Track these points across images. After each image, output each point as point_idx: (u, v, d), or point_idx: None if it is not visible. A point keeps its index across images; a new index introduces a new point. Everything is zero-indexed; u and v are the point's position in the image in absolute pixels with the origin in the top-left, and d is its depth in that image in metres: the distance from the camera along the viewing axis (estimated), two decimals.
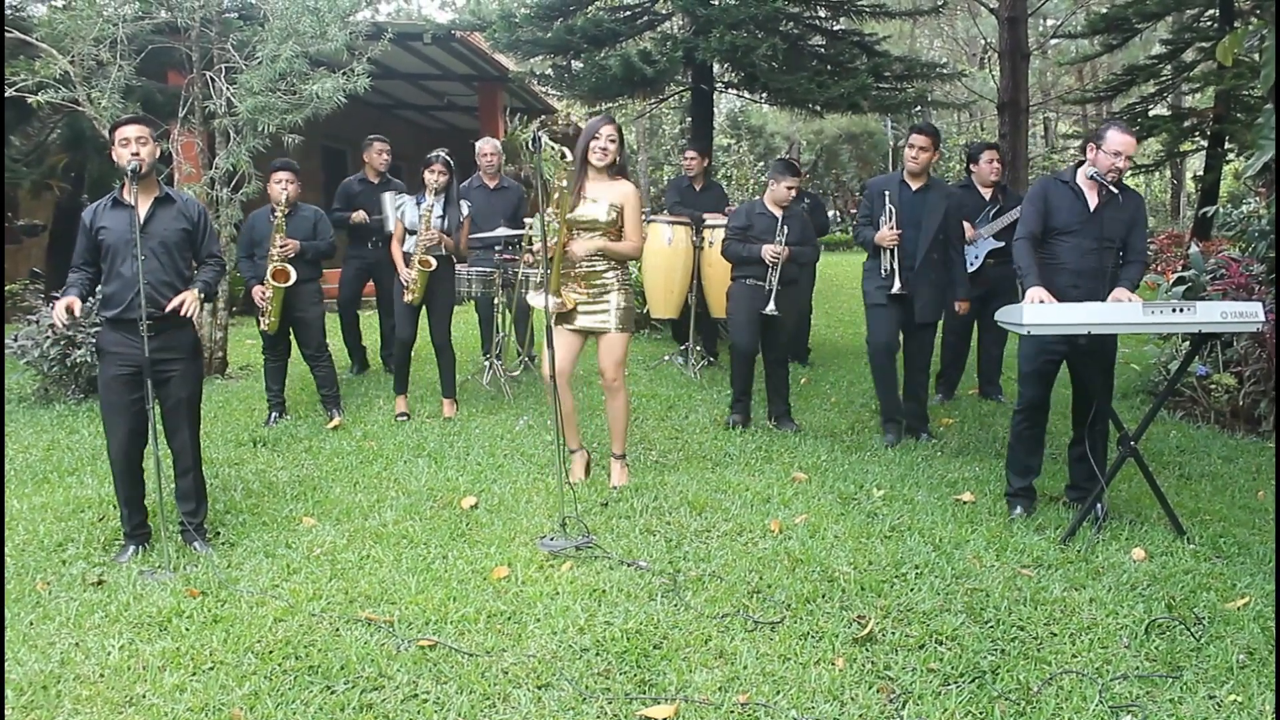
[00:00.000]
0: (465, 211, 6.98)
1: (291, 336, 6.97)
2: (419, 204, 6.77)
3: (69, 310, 4.28)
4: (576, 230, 5.24)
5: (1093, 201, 4.81)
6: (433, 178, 6.71)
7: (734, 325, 6.76)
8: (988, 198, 7.30)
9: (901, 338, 6.41)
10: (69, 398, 7.33)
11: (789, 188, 6.61)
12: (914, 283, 6.15)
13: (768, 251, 6.46)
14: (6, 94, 7.34)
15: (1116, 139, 4.74)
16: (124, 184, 4.36)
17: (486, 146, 8.31)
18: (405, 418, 6.90)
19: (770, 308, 6.48)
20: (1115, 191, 4.75)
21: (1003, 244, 6.99)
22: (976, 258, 7.18)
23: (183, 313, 4.38)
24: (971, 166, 7.51)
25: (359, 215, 7.88)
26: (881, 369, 6.37)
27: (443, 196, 6.76)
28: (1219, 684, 3.31)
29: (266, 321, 6.70)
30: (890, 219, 6.12)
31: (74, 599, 4.00)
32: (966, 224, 6.94)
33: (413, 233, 6.76)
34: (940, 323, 6.62)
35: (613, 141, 5.19)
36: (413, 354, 7.13)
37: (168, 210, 4.49)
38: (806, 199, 8.93)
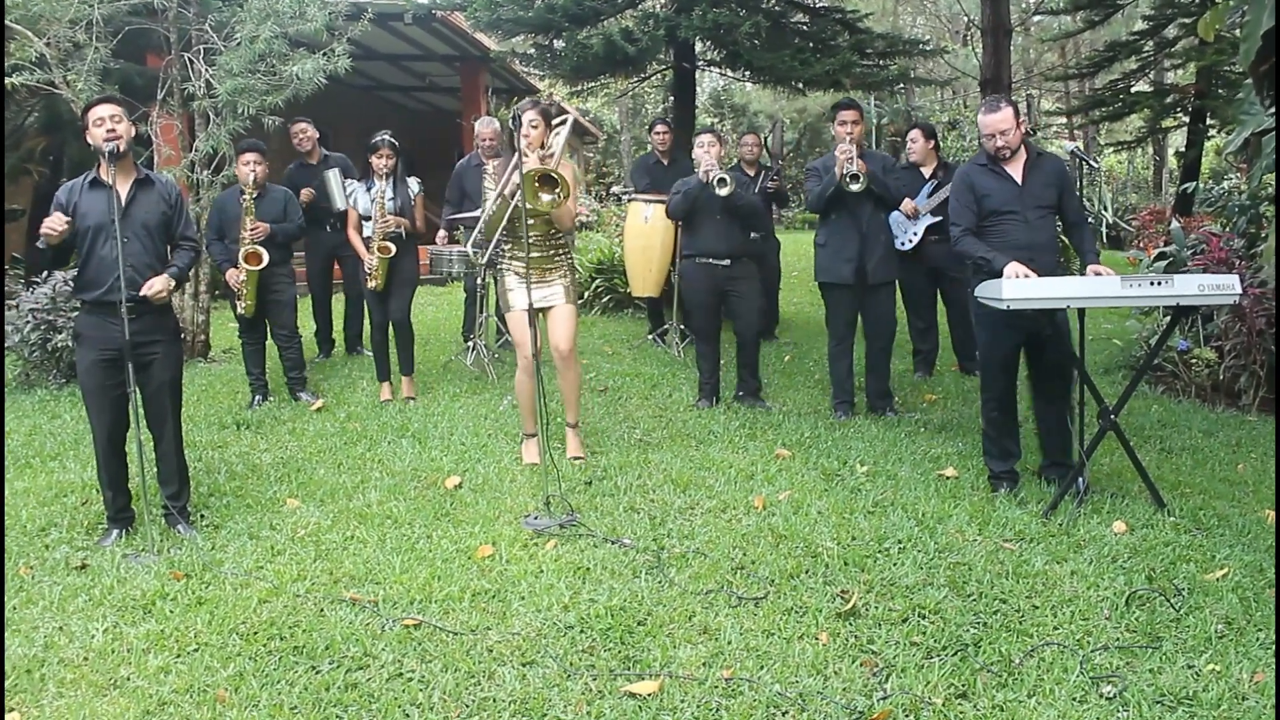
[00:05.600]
0: (416, 189, 6.96)
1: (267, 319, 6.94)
2: (369, 190, 6.76)
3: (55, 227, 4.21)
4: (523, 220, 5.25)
5: (1018, 175, 4.87)
6: (380, 162, 6.71)
7: (689, 307, 6.72)
8: (928, 174, 7.37)
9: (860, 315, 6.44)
10: (50, 382, 7.29)
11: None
12: (869, 248, 6.17)
13: (702, 166, 6.39)
14: None
15: (983, 122, 4.91)
16: (101, 165, 4.32)
17: (486, 130, 8.23)
18: (388, 403, 6.88)
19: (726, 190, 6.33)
20: (1039, 154, 4.87)
21: (941, 218, 7.01)
22: (915, 235, 7.23)
23: (151, 297, 4.35)
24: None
25: (306, 193, 7.66)
26: (846, 353, 6.39)
27: (392, 179, 6.74)
28: (1198, 654, 3.34)
29: (244, 305, 6.68)
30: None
31: (57, 583, 4.00)
32: (909, 200, 7.03)
33: (368, 219, 6.76)
34: (901, 304, 6.64)
35: (534, 126, 5.17)
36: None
37: (149, 193, 4.46)
38: (771, 172, 8.92)
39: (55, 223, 4.20)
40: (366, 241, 6.77)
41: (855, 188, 5.97)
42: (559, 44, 10.94)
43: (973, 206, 4.92)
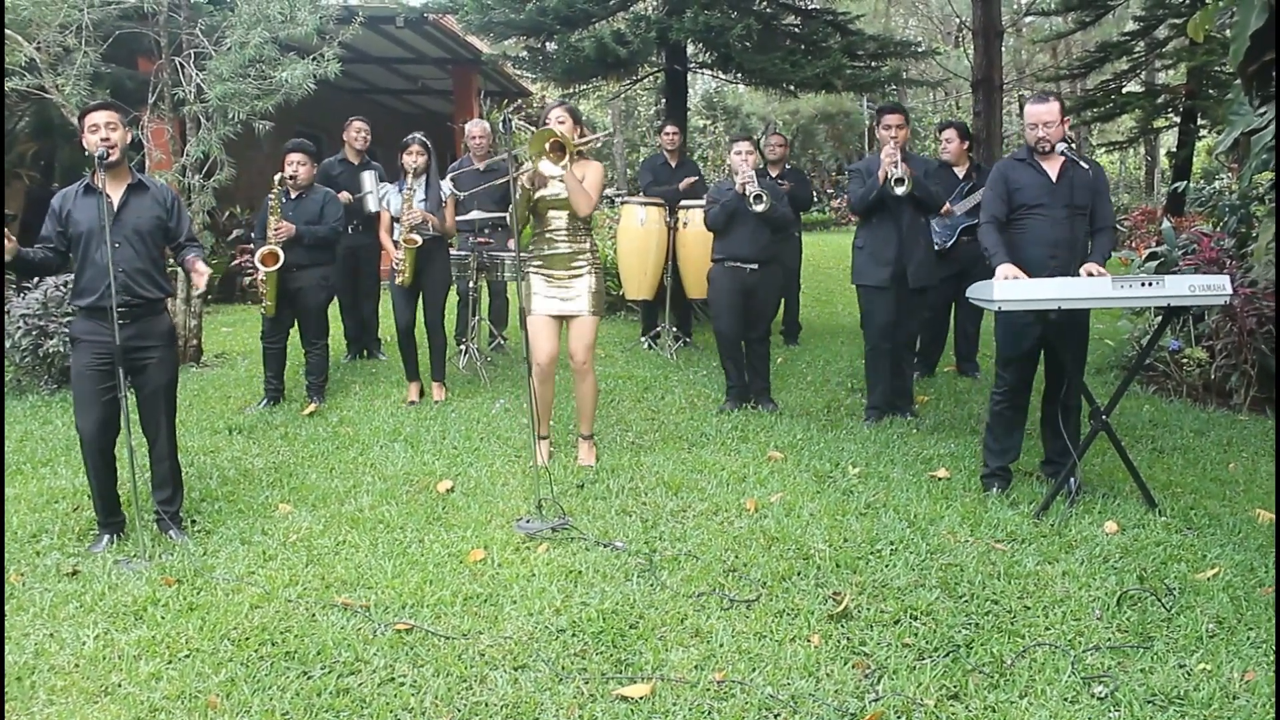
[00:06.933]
0: (447, 191, 6.96)
1: (296, 322, 6.93)
2: (400, 190, 6.77)
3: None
4: (547, 210, 5.31)
5: (1054, 173, 4.88)
6: (411, 160, 6.72)
7: (716, 310, 6.71)
8: (961, 175, 7.34)
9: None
10: (42, 388, 7.27)
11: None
12: (907, 251, 6.16)
13: (740, 174, 6.41)
14: None
15: (1028, 112, 4.96)
16: (95, 171, 4.32)
17: (475, 129, 8.30)
18: (415, 405, 6.87)
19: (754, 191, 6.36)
20: (1074, 159, 4.82)
21: (976, 221, 7.03)
22: (951, 235, 7.22)
23: (203, 284, 4.51)
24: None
25: (343, 196, 7.71)
26: (881, 355, 6.35)
27: (424, 178, 6.75)
28: (1189, 653, 3.35)
29: (265, 305, 6.67)
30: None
31: (48, 590, 3.98)
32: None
33: (399, 219, 6.77)
34: None
35: (561, 123, 5.22)
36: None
37: (141, 198, 4.46)
38: (789, 171, 8.92)
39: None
40: (396, 242, 6.79)
41: (900, 191, 5.94)
42: (551, 46, 10.94)
43: (1005, 197, 4.95)
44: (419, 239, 6.69)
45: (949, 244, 7.23)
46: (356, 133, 8.18)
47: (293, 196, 6.74)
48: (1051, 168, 4.90)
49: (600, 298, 5.43)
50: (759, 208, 6.31)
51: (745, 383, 6.78)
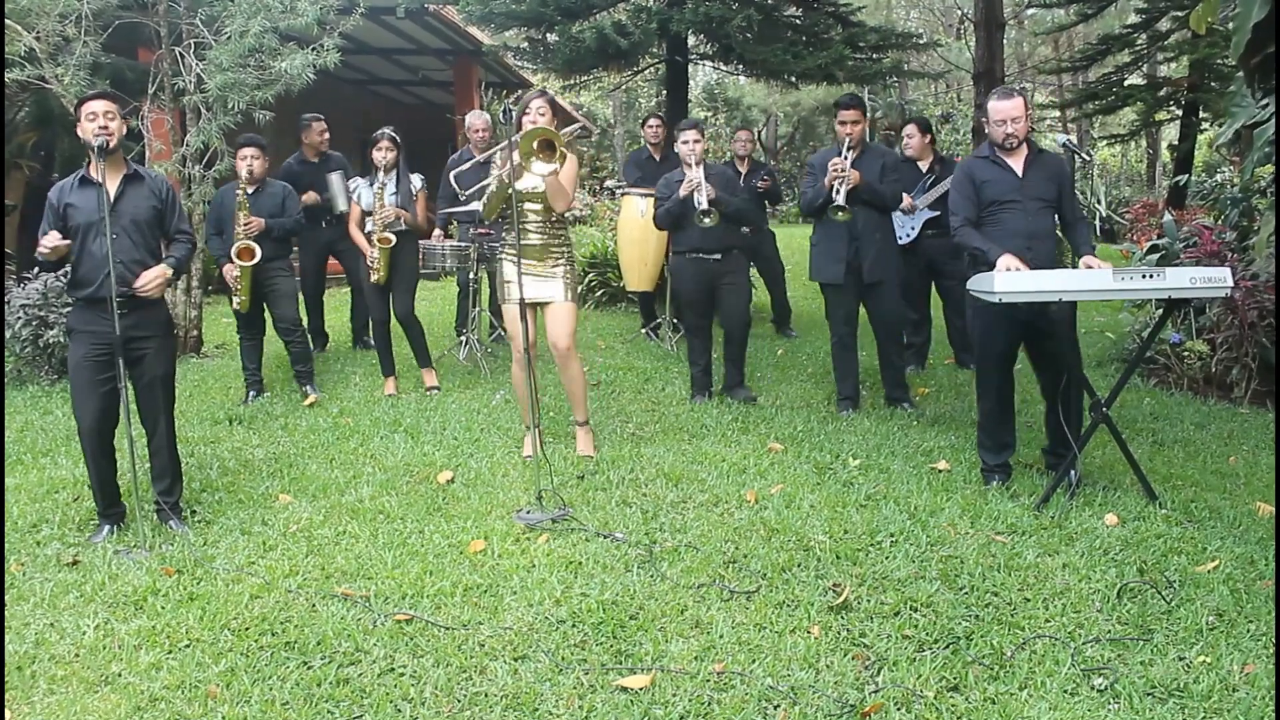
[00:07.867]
0: (418, 185, 6.97)
1: (266, 314, 6.92)
2: (372, 185, 6.76)
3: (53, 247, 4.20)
4: (522, 203, 5.28)
5: (1019, 168, 4.91)
6: (380, 155, 6.71)
7: (683, 303, 6.70)
8: (924, 169, 7.39)
9: (864, 311, 6.40)
10: (42, 379, 7.27)
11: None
12: (861, 247, 6.16)
13: (688, 175, 6.29)
14: None
15: (993, 108, 4.94)
16: (91, 160, 4.31)
17: (477, 121, 8.27)
18: (394, 397, 6.86)
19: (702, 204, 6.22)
20: (1073, 150, 4.84)
21: (938, 213, 7.06)
22: (913, 229, 7.25)
23: (148, 289, 4.34)
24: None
25: (310, 196, 7.69)
26: (845, 348, 6.36)
27: (394, 173, 6.75)
28: (1188, 645, 3.35)
29: (238, 300, 6.66)
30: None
31: (49, 579, 3.99)
32: (905, 195, 6.98)
33: (371, 214, 6.76)
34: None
35: (542, 114, 5.20)
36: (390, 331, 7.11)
37: (138, 188, 4.46)
38: (763, 170, 8.89)
39: (51, 241, 4.19)
40: (368, 236, 6.77)
41: (839, 217, 5.97)
42: (551, 37, 10.92)
43: (973, 197, 4.96)
44: (393, 238, 6.70)
45: (913, 238, 7.25)
46: (319, 134, 8.13)
47: (250, 192, 6.70)
48: (1016, 162, 4.93)
49: (576, 285, 5.47)
50: (707, 222, 6.19)
51: (711, 375, 6.75)
